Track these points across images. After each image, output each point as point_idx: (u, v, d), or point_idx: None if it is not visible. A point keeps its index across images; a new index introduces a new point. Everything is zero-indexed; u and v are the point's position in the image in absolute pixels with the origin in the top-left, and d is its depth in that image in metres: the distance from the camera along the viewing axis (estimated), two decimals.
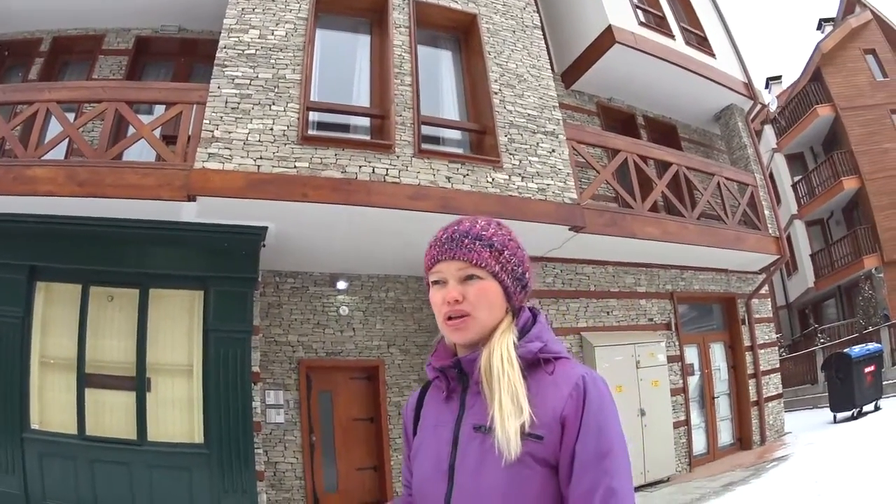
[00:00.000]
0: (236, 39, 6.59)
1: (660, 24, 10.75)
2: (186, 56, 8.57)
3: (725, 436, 10.71)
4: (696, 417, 10.14)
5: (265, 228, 6.69)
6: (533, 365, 1.29)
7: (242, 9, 6.78)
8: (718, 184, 10.09)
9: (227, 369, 6.36)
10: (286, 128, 6.39)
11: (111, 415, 6.17)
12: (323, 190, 6.28)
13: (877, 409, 11.95)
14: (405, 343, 8.71)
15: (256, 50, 6.61)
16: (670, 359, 9.65)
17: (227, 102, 6.28)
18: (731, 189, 10.45)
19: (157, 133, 6.42)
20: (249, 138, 6.21)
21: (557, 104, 8.28)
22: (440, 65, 8.23)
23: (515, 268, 1.35)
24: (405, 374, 8.59)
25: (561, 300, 8.81)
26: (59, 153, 6.54)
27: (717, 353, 10.92)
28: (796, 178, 23.08)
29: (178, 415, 6.36)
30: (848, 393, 11.77)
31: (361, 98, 7.46)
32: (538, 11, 9.11)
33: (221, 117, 6.21)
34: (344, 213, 6.53)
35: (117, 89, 6.48)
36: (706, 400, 10.40)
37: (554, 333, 1.37)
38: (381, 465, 8.24)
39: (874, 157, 20.03)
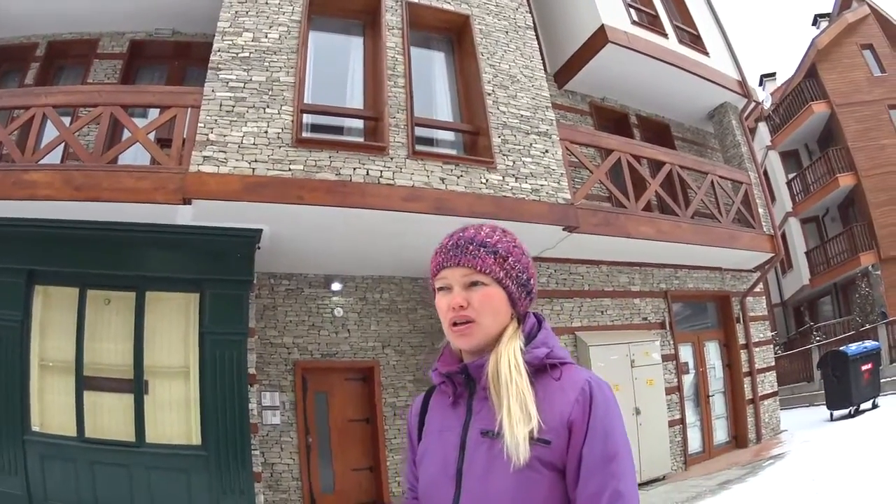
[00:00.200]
0: (230, 42, 6.70)
1: (653, 23, 10.89)
2: (180, 59, 8.70)
3: (721, 434, 10.84)
4: (691, 416, 10.29)
5: (260, 231, 6.80)
6: (539, 370, 1.33)
7: (236, 12, 6.88)
8: (712, 182, 10.23)
9: (224, 371, 6.48)
10: (280, 130, 6.50)
11: (110, 417, 6.28)
12: (318, 192, 6.40)
13: (874, 406, 12.04)
14: (400, 344, 8.85)
15: (250, 53, 6.72)
16: (665, 357, 9.80)
17: (221, 105, 6.39)
18: (725, 187, 10.61)
19: (151, 136, 6.54)
20: (244, 141, 6.32)
21: (550, 105, 8.41)
22: (433, 66, 8.35)
23: (520, 274, 1.38)
24: (400, 375, 8.73)
25: (555, 300, 8.96)
26: (55, 157, 6.66)
27: (712, 351, 11.06)
28: (791, 176, 23.26)
29: (175, 417, 6.48)
30: (845, 391, 11.85)
31: (355, 100, 7.58)
32: (531, 12, 9.21)
33: (216, 120, 6.31)
34: (339, 215, 6.64)
35: (112, 93, 6.59)
36: (701, 398, 10.55)
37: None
38: (377, 466, 8.37)
39: (871, 154, 20.19)
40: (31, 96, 6.50)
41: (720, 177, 10.52)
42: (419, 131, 7.35)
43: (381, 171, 6.76)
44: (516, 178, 7.50)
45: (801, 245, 22.63)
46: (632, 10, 10.66)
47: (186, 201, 6.08)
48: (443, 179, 7.04)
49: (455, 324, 1.36)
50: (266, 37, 6.87)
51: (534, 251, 8.43)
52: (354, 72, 7.76)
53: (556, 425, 1.25)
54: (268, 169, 6.30)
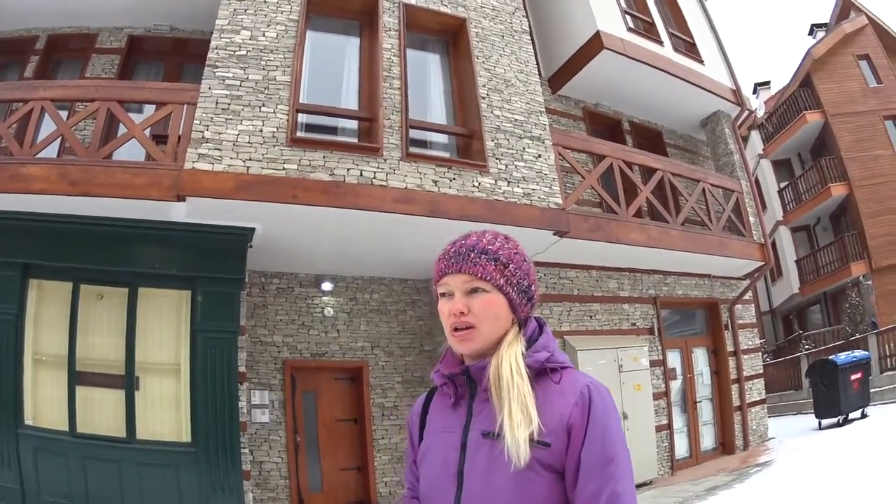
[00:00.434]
0: (228, 40, 6.79)
1: (648, 31, 11.08)
2: (178, 56, 8.80)
3: (708, 440, 11.02)
4: (678, 421, 10.46)
5: (252, 229, 6.90)
6: (540, 374, 1.37)
7: (234, 9, 6.97)
8: (703, 190, 10.43)
9: (214, 369, 6.56)
10: (275, 129, 6.60)
11: (101, 413, 6.36)
12: (312, 192, 6.51)
13: (863, 416, 12.17)
14: (389, 345, 8.97)
15: (247, 51, 6.82)
16: (653, 363, 9.98)
17: (217, 103, 6.49)
18: (716, 195, 10.80)
19: (147, 133, 6.62)
20: (239, 139, 6.42)
21: (544, 109, 8.56)
22: (428, 68, 8.48)
23: (521, 280, 1.42)
24: (389, 376, 8.86)
25: (544, 304, 9.10)
26: (51, 152, 6.75)
27: (700, 357, 11.24)
28: (783, 184, 23.54)
29: (165, 413, 6.56)
30: (833, 399, 11.97)
31: (350, 101, 7.70)
32: (527, 16, 9.35)
33: (212, 118, 6.41)
34: (332, 215, 6.75)
35: (110, 88, 6.69)
36: (689, 404, 10.72)
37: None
38: (365, 466, 8.50)
39: (864, 164, 20.50)
40: (30, 89, 6.58)
41: (711, 184, 10.72)
42: (413, 133, 7.46)
43: (375, 173, 6.88)
44: (508, 182, 7.65)
45: (792, 254, 22.92)
46: (628, 17, 10.82)
47: (181, 198, 6.17)
48: (435, 182, 7.17)
49: (456, 329, 1.40)
50: (263, 35, 6.97)
51: None
52: (350, 72, 7.87)
53: (556, 428, 1.29)
54: (262, 168, 6.40)
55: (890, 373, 14.47)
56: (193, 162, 6.21)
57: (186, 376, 6.60)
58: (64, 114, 6.68)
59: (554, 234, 7.99)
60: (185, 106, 6.49)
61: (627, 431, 8.80)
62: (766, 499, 7.33)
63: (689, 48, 11.81)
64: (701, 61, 11.75)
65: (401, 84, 7.48)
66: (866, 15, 22.64)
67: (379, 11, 7.74)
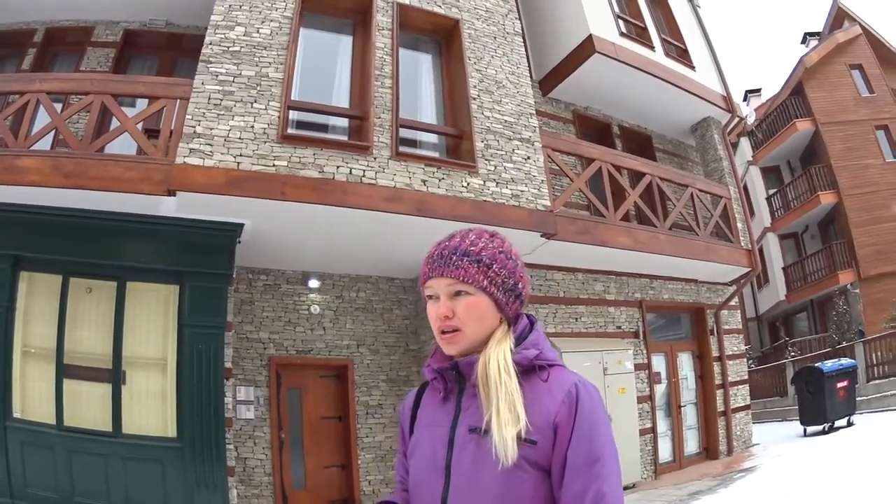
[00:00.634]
0: (222, 36, 6.91)
1: (641, 35, 11.22)
2: (172, 51, 8.92)
3: (692, 445, 11.20)
4: (662, 425, 10.61)
5: (241, 225, 6.99)
6: (528, 371, 1.38)
7: (230, 5, 7.08)
8: (692, 195, 10.61)
9: (201, 364, 6.64)
10: (267, 126, 6.71)
11: (88, 406, 6.43)
12: (301, 189, 6.62)
13: (849, 424, 12.34)
14: (374, 343, 9.09)
15: (241, 47, 6.93)
16: (638, 366, 10.14)
17: (209, 99, 6.60)
18: (705, 201, 11.00)
19: (139, 127, 6.73)
20: (230, 135, 6.53)
21: (534, 111, 8.71)
22: (420, 68, 8.62)
23: (506, 280, 1.42)
24: (374, 374, 8.98)
25: (530, 305, 9.20)
26: (44, 144, 6.82)
27: (685, 362, 11.43)
28: (771, 191, 23.87)
29: (152, 408, 6.64)
30: (819, 407, 12.12)
31: (341, 99, 7.81)
32: (520, 18, 9.49)
33: (204, 113, 6.52)
34: (320, 212, 6.87)
35: (104, 82, 6.78)
36: (673, 408, 10.89)
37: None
38: (349, 464, 8.62)
39: (854, 173, 20.86)
40: (27, 82, 6.67)
41: (700, 190, 10.90)
42: (403, 132, 7.59)
43: (364, 171, 7.00)
44: (497, 183, 7.79)
45: (779, 260, 23.22)
46: (620, 22, 10.97)
47: (171, 193, 6.27)
48: (424, 181, 7.30)
49: (443, 332, 1.42)
50: (258, 32, 7.08)
51: None
52: (342, 70, 7.98)
53: (543, 426, 1.30)
54: (252, 164, 6.51)
55: (877, 381, 14.68)
56: (184, 157, 6.30)
57: (173, 371, 6.67)
58: (58, 106, 6.76)
59: (541, 236, 8.14)
60: (178, 101, 6.59)
61: None
62: None
63: (680, 54, 11.98)
64: (692, 67, 11.93)
65: (392, 83, 7.59)
66: (860, 25, 22.96)
67: (373, 10, 7.85)
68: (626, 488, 9.21)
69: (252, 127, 6.66)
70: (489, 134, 8.01)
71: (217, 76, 6.71)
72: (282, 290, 8.72)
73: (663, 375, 10.93)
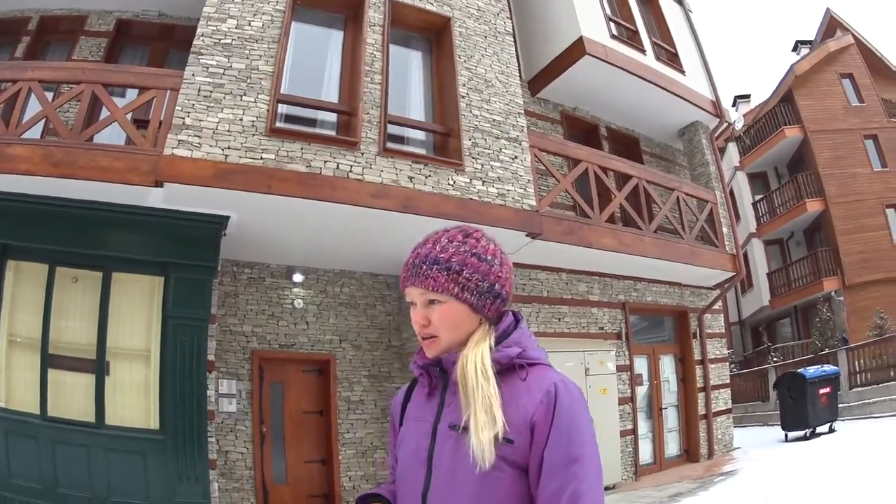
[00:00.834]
0: (214, 28, 6.99)
1: (632, 38, 11.40)
2: (164, 41, 8.98)
3: (673, 447, 11.38)
4: (643, 427, 10.81)
5: (227, 217, 7.06)
6: (508, 369, 1.40)
7: None
8: (678, 199, 10.79)
9: (184, 356, 6.71)
10: (255, 119, 6.81)
11: (71, 397, 6.48)
12: (288, 183, 6.73)
13: (831, 430, 12.61)
14: (357, 339, 9.17)
15: (233, 40, 7.02)
16: (619, 368, 10.30)
17: (199, 90, 6.68)
18: (691, 204, 11.19)
19: (129, 117, 6.81)
20: (219, 127, 6.62)
21: (523, 111, 8.86)
22: (410, 65, 8.74)
23: (479, 283, 1.44)
24: (356, 370, 9.06)
25: (512, 304, 9.31)
26: (34, 133, 6.88)
27: (667, 365, 11.62)
28: (757, 197, 24.22)
29: (135, 400, 6.69)
30: (801, 413, 12.37)
31: (330, 93, 7.90)
32: (511, 18, 9.62)
33: (193, 105, 6.61)
34: (306, 206, 6.97)
35: (96, 71, 6.84)
36: (654, 410, 11.08)
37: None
38: (330, 459, 8.71)
39: (842, 181, 21.22)
40: (20, 70, 6.73)
41: (686, 194, 11.09)
42: (391, 129, 7.70)
43: (352, 166, 7.12)
44: (483, 182, 7.94)
45: (764, 266, 23.55)
46: (612, 24, 11.13)
47: (158, 184, 6.35)
48: (411, 178, 7.43)
49: (423, 337, 1.47)
50: (249, 24, 7.16)
51: None
52: (332, 65, 8.07)
53: (520, 424, 1.33)
54: (240, 156, 6.60)
55: (859, 389, 14.94)
56: (173, 148, 6.39)
57: (156, 363, 6.73)
58: (49, 95, 6.81)
59: (526, 236, 8.29)
60: (168, 92, 6.67)
61: None
62: None
63: (671, 58, 12.16)
64: (682, 71, 12.11)
65: (382, 79, 7.70)
66: (852, 34, 23.30)
67: (365, 6, 7.96)
68: (606, 489, 9.32)
69: (241, 120, 6.74)
70: (477, 132, 8.14)
71: (207, 68, 6.79)
72: (266, 284, 8.78)
73: (645, 377, 11.11)
